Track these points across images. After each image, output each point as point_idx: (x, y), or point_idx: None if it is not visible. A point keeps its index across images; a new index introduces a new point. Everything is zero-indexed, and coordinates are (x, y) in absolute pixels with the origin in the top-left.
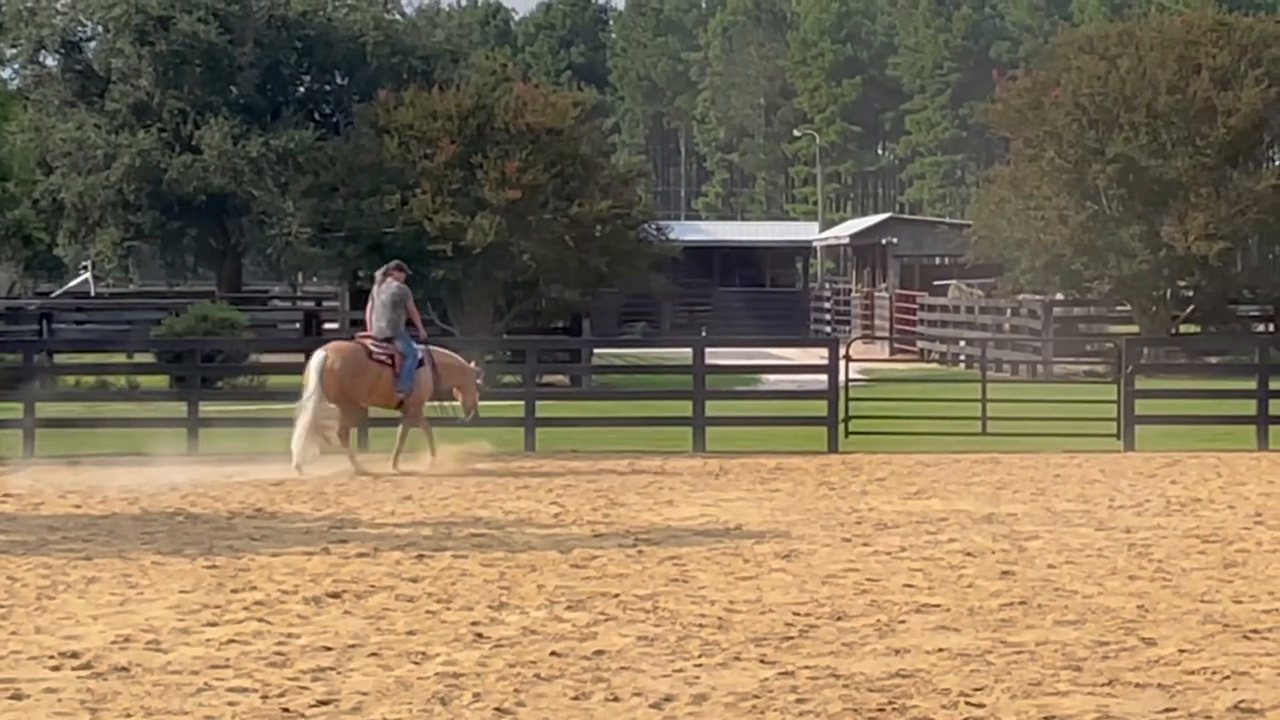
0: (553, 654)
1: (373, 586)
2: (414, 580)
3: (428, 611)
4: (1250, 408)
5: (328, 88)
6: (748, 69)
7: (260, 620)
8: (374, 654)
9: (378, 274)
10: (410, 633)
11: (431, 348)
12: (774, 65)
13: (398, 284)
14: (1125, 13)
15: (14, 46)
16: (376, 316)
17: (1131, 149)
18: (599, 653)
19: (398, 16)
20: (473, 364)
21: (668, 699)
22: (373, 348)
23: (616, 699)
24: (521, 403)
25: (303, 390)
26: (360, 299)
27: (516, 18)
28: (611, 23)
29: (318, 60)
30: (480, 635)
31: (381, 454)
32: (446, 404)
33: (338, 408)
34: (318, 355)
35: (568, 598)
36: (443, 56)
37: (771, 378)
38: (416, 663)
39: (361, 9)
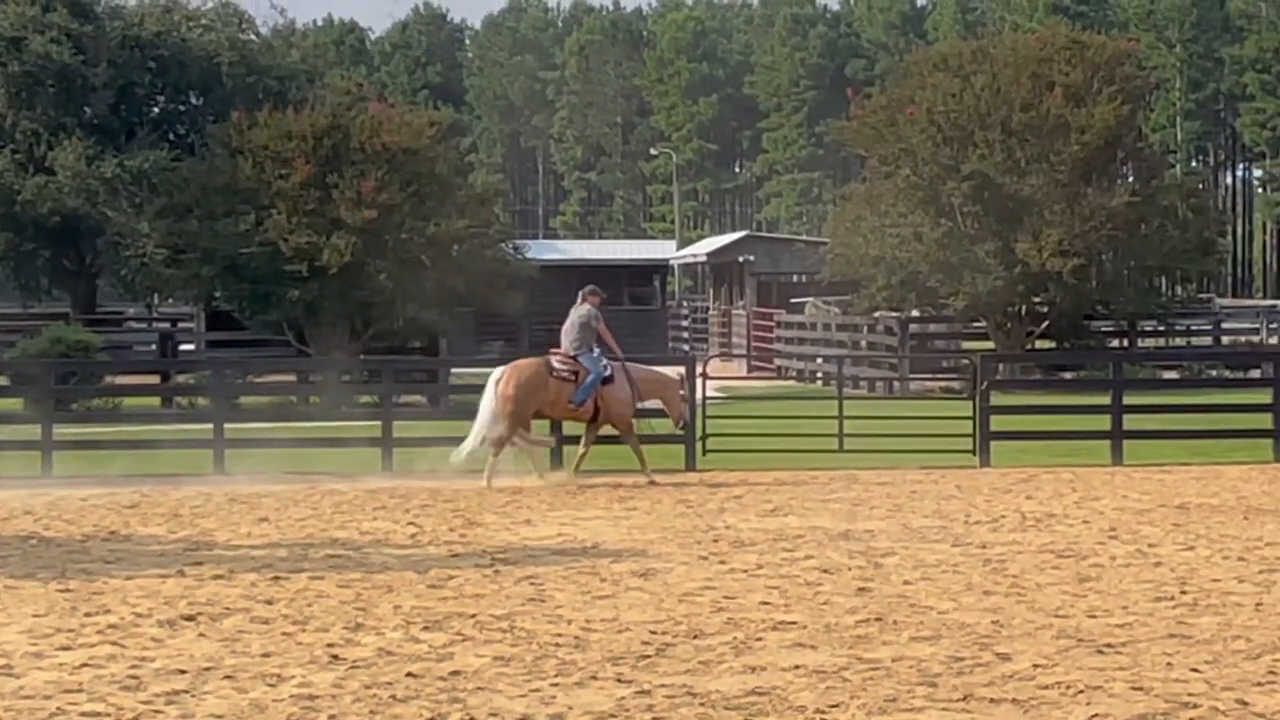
0: (409, 675)
1: (228, 609)
2: (269, 602)
3: (283, 633)
4: (1105, 423)
5: (182, 108)
6: (605, 87)
7: (114, 644)
8: (229, 676)
9: (578, 295)
10: (265, 655)
11: (629, 364)
12: (631, 84)
13: (591, 306)
14: (980, 31)
15: None
16: (566, 334)
17: (986, 166)
18: (455, 673)
19: (253, 37)
20: (677, 376)
21: (524, 719)
22: (556, 364)
23: (473, 719)
24: (378, 423)
25: (479, 405)
26: (216, 319)
27: (372, 37)
28: (468, 42)
29: (172, 80)
30: (336, 657)
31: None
32: (654, 421)
33: (502, 421)
34: (496, 372)
35: (424, 618)
36: (298, 76)
37: None
38: (272, 685)
39: (216, 29)
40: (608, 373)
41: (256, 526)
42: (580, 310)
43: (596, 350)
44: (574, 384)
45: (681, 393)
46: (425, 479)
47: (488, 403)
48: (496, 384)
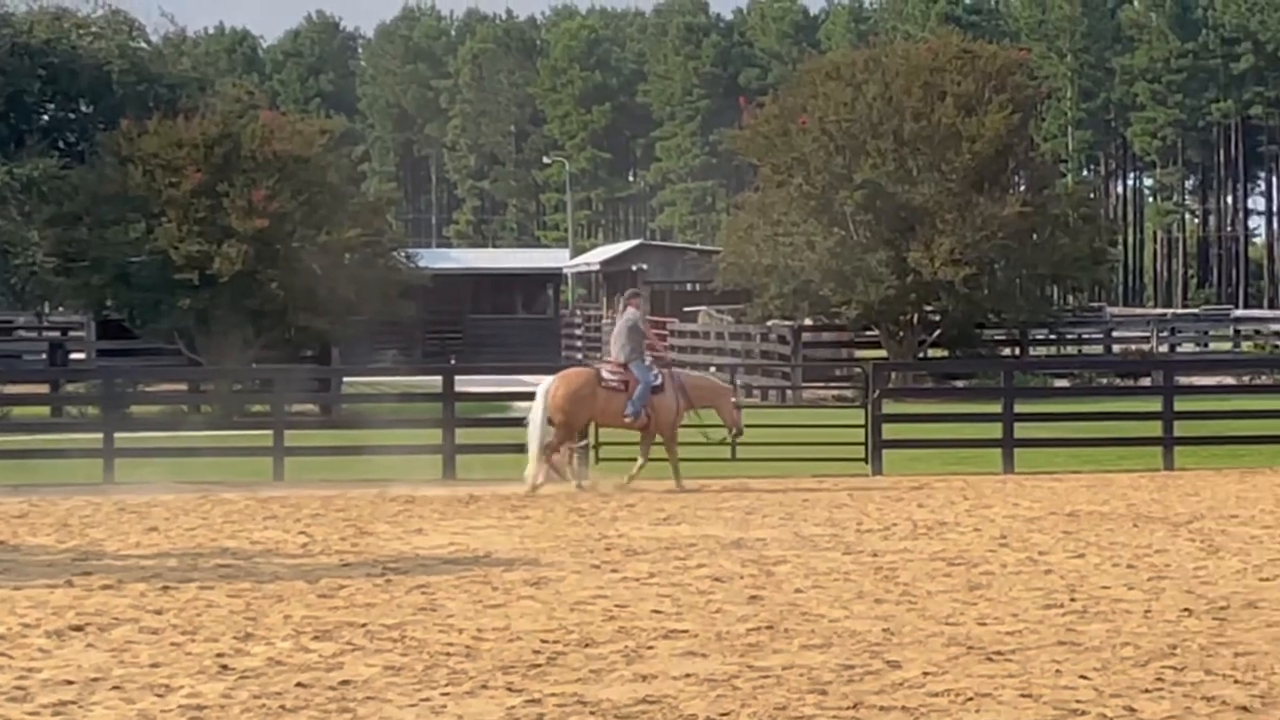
0: (298, 685)
1: (116, 619)
2: (158, 612)
3: (172, 644)
4: (996, 431)
5: (72, 116)
6: (498, 96)
7: (1, 655)
8: (117, 687)
9: (619, 302)
10: (154, 665)
11: (679, 371)
12: (524, 92)
13: (634, 310)
14: (872, 40)
15: None
16: (613, 342)
17: (878, 175)
18: (345, 683)
19: (143, 45)
20: (731, 383)
21: None
22: (606, 374)
23: None
24: (270, 432)
25: (529, 414)
26: (107, 328)
27: (264, 45)
28: (360, 50)
29: (62, 88)
30: (225, 667)
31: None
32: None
33: (555, 429)
34: (546, 381)
35: (314, 628)
36: (189, 84)
37: (523, 404)
38: (160, 695)
39: (106, 37)
40: (658, 381)
41: (146, 536)
42: (624, 316)
43: (648, 358)
44: (623, 393)
45: (734, 400)
46: (317, 488)
47: (538, 412)
48: (547, 394)
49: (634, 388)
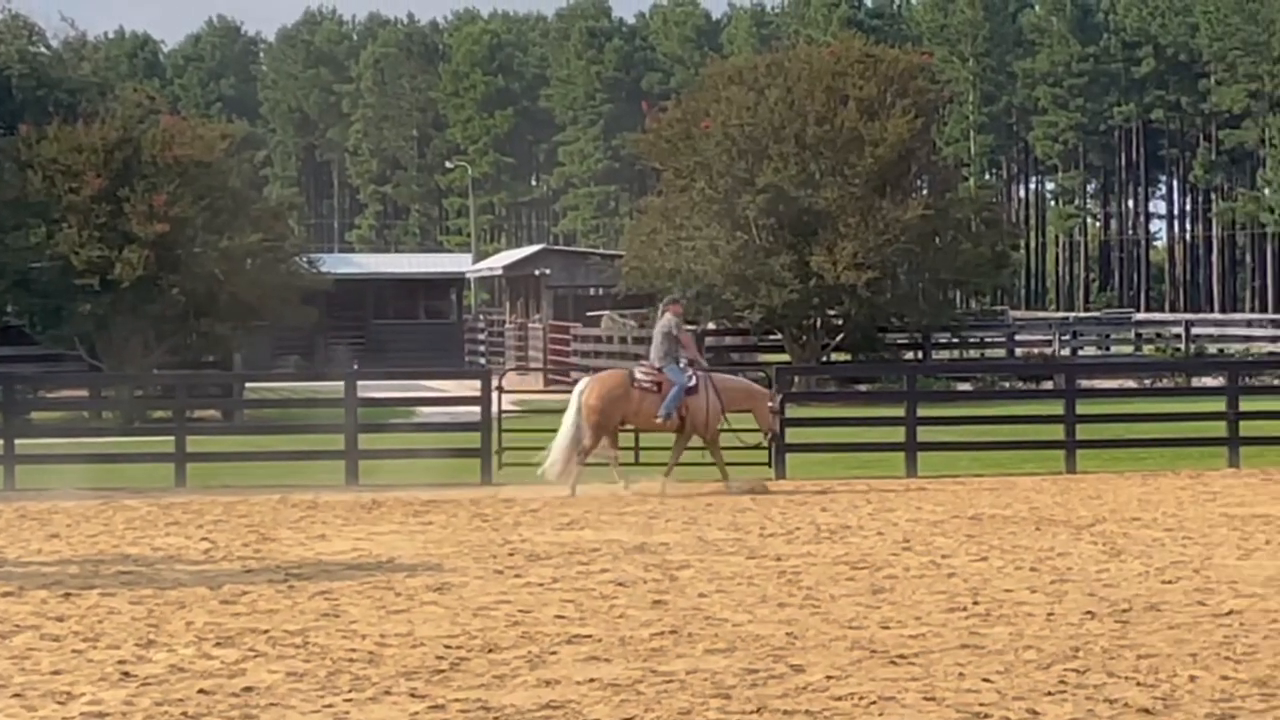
0: (200, 692)
1: (17, 626)
2: (60, 619)
3: (74, 651)
4: (899, 435)
5: None
6: (400, 100)
7: None
8: (17, 695)
9: (659, 309)
10: (55, 672)
11: (715, 375)
12: (426, 97)
13: (672, 316)
14: (774, 44)
15: None
16: (652, 347)
17: (781, 179)
18: (248, 689)
19: (43, 49)
20: (770, 386)
21: None
22: (639, 375)
23: None
24: (172, 438)
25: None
26: (7, 334)
27: (166, 49)
28: (262, 54)
29: None
30: (127, 674)
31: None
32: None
33: (588, 431)
34: (581, 383)
35: (217, 634)
36: (89, 89)
37: (425, 410)
38: (61, 703)
39: (5, 42)
40: (692, 383)
41: (47, 543)
42: (661, 321)
43: (683, 361)
44: (657, 395)
45: (770, 404)
46: (219, 494)
47: (571, 414)
48: (581, 395)
49: (667, 389)
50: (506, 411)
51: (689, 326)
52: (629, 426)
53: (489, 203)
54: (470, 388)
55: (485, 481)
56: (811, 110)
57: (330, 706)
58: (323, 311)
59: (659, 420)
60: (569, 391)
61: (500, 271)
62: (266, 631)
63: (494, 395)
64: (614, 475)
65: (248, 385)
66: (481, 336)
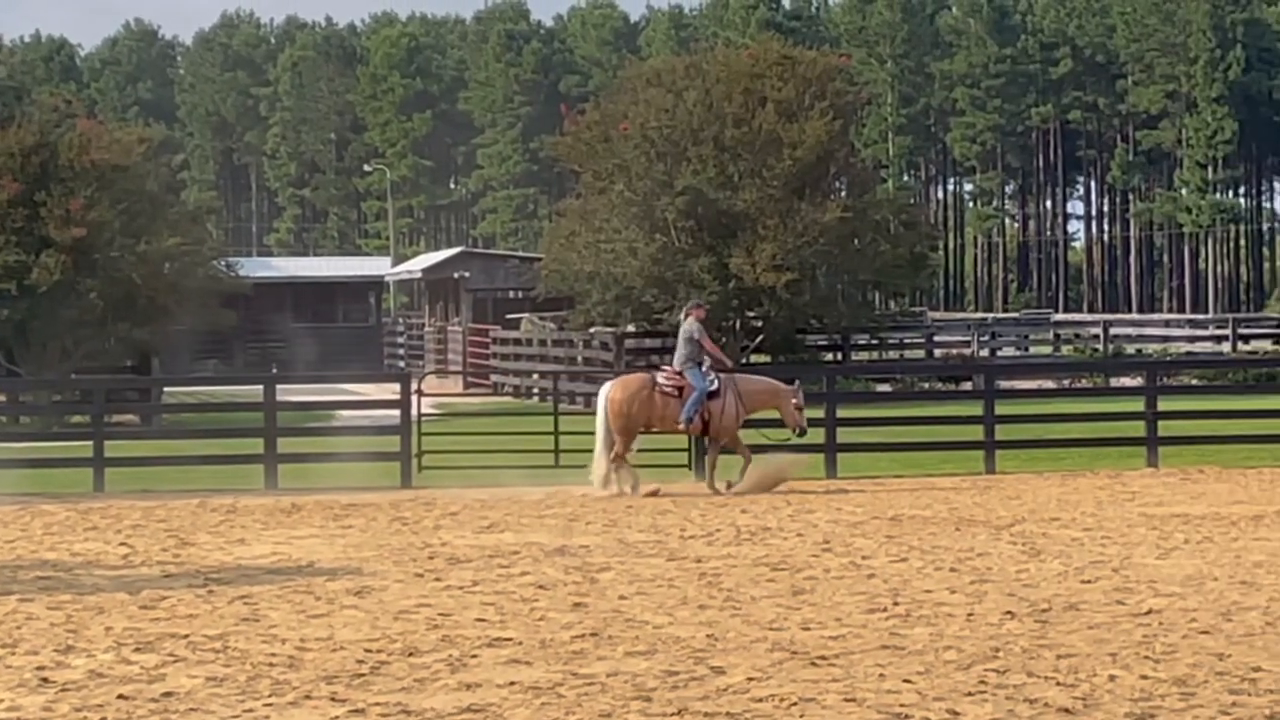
0: (120, 697)
1: None
2: None
3: None
4: (819, 436)
5: None
6: (318, 104)
7: None
8: None
9: (683, 312)
10: None
11: (738, 376)
12: (344, 100)
13: (694, 320)
14: (693, 46)
15: None
16: (675, 352)
17: (699, 181)
18: (168, 694)
19: None
20: (794, 383)
21: None
22: (661, 380)
23: None
24: (90, 443)
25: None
26: None
27: (82, 53)
28: (179, 58)
29: None
30: (46, 680)
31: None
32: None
33: (616, 435)
34: (605, 387)
35: (136, 640)
36: (5, 93)
37: (345, 413)
38: None
39: None
40: (713, 386)
41: None
42: (684, 326)
43: (705, 364)
44: (678, 399)
45: (795, 401)
46: (138, 499)
47: (600, 418)
48: (605, 396)
49: (688, 394)
50: (426, 414)
51: (608, 329)
52: (654, 430)
53: (408, 206)
54: (389, 391)
55: (405, 485)
56: (729, 112)
57: (250, 711)
58: (241, 315)
59: (681, 426)
60: (489, 394)
61: (419, 274)
62: (186, 636)
63: (413, 398)
64: (615, 477)
65: (166, 389)
66: (401, 340)
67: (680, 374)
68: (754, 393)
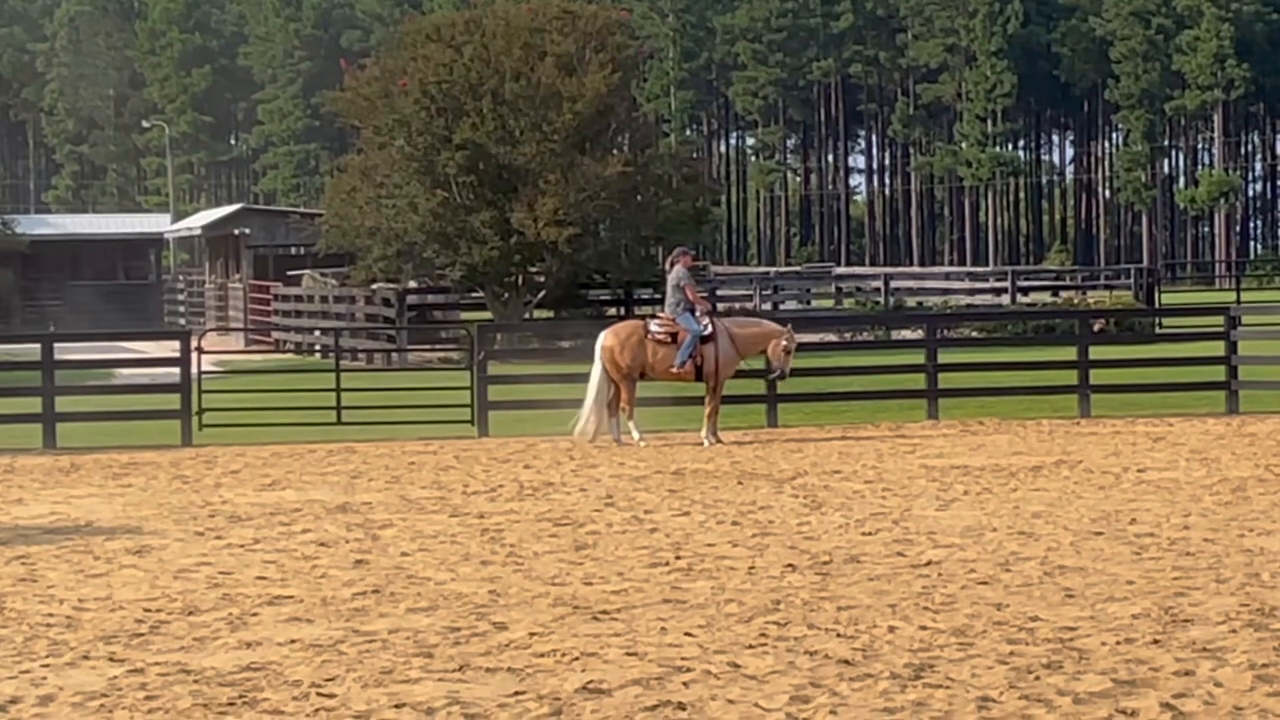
0: None
1: None
2: None
3: None
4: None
5: None
6: (96, 60)
7: None
8: None
9: (668, 261)
10: None
11: (728, 320)
12: (123, 55)
13: (680, 267)
14: (474, 1)
15: None
16: (666, 298)
17: (479, 136)
18: None
19: None
20: (787, 325)
21: (13, 701)
22: (653, 327)
23: None
24: None
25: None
26: None
27: None
28: None
29: None
30: None
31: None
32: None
33: (615, 380)
34: (600, 336)
35: None
36: None
37: (124, 372)
38: None
39: None
40: (707, 331)
41: None
42: (672, 273)
43: (697, 310)
44: (672, 346)
45: (784, 343)
46: None
47: (597, 368)
48: (600, 345)
49: (683, 339)
50: (207, 372)
51: (390, 285)
52: (649, 376)
53: (188, 162)
54: (169, 349)
55: (186, 443)
56: (509, 66)
57: (27, 672)
58: (18, 274)
59: (674, 369)
60: (270, 351)
61: (199, 231)
62: None
63: (194, 356)
64: (629, 427)
65: None
66: (181, 297)
67: (673, 320)
68: (747, 335)
